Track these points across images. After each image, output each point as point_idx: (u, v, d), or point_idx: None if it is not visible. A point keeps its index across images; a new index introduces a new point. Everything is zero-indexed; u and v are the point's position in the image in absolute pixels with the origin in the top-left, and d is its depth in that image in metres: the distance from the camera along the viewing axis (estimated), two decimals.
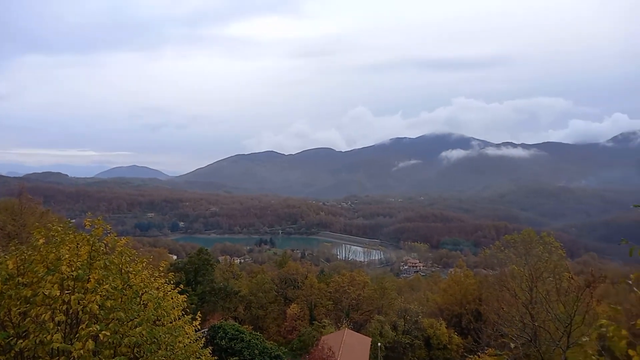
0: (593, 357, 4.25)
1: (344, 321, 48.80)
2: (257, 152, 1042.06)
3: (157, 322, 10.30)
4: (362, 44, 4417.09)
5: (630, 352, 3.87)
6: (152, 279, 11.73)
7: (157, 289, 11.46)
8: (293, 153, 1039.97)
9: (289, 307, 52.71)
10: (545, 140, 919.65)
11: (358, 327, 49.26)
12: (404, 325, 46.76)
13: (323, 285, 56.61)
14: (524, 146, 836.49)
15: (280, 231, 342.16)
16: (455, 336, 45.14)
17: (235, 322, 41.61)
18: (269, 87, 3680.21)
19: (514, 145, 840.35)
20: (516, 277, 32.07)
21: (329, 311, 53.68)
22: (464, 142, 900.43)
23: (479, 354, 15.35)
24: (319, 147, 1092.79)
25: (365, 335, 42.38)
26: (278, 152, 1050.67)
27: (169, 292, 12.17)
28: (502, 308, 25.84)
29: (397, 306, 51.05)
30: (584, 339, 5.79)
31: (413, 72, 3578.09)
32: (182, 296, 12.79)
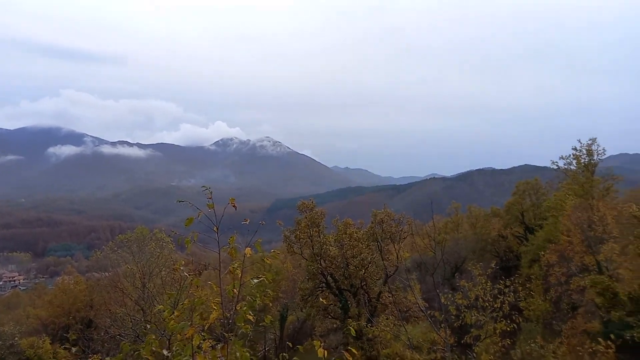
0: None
1: None
2: None
3: None
4: None
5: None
6: None
7: None
8: None
9: None
10: (160, 142, 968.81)
11: None
12: None
13: None
14: (140, 146, 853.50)
15: None
16: (62, 350, 41.06)
17: None
18: None
19: (130, 145, 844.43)
20: (129, 276, 32.31)
21: None
22: (75, 138, 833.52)
23: None
24: None
25: None
26: None
27: None
28: (110, 309, 25.38)
29: None
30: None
31: (10, 53, 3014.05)
32: None
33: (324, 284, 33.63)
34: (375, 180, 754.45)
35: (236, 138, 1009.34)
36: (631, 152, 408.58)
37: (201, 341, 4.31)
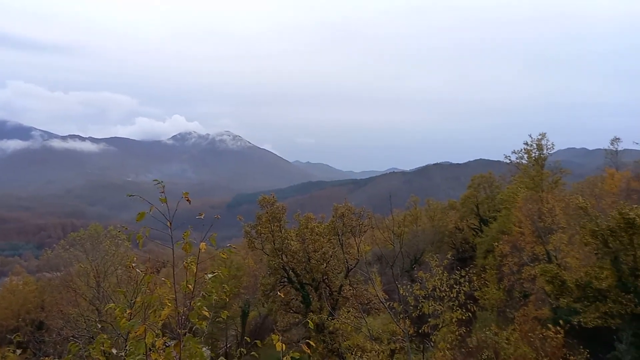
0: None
1: None
2: None
3: None
4: None
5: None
6: None
7: None
8: None
9: None
10: (114, 135, 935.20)
11: None
12: None
13: None
14: (93, 140, 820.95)
15: None
16: (11, 354, 39.09)
17: None
18: None
19: (82, 139, 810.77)
20: (82, 275, 31.08)
21: None
22: (22, 132, 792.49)
23: None
24: None
25: None
26: None
27: None
28: (61, 310, 24.36)
29: None
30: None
31: None
32: None
33: (285, 279, 33.57)
34: (336, 175, 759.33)
35: (195, 132, 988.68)
36: (578, 147, 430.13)
37: (155, 339, 4.16)
